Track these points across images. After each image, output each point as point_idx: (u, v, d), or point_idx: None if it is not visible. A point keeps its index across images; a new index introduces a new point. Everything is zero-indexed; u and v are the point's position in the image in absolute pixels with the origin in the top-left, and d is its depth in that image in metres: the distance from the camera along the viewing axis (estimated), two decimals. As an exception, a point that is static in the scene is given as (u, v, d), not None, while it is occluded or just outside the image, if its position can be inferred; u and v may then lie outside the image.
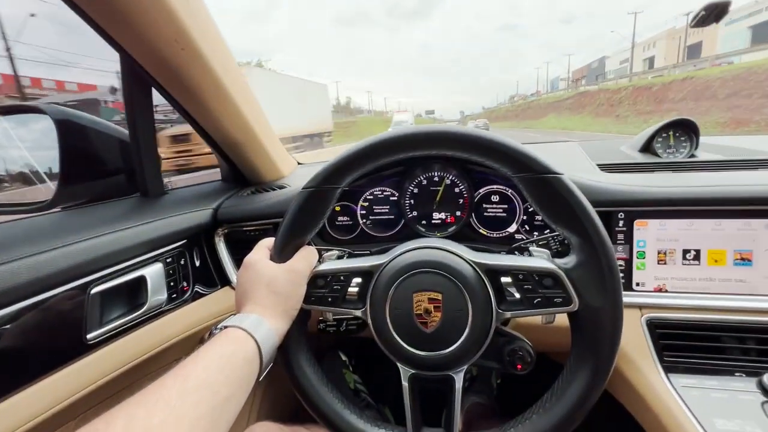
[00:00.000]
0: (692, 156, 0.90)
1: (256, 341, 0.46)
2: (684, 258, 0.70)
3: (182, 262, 0.77)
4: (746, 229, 0.68)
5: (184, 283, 0.77)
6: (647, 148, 0.93)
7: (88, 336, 0.58)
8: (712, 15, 0.75)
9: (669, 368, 0.65)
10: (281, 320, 0.51)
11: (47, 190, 0.73)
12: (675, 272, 0.71)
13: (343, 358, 1.28)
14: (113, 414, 0.33)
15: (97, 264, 0.60)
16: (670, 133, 0.91)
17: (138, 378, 0.66)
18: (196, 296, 0.80)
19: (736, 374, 0.63)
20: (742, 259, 0.68)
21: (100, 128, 0.78)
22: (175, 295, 0.74)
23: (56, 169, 0.72)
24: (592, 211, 0.47)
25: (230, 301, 0.84)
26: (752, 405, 0.59)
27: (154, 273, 0.69)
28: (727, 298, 0.68)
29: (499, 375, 1.21)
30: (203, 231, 0.84)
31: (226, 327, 0.47)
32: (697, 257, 0.70)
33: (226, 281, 0.87)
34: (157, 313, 0.70)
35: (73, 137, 0.73)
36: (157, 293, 0.69)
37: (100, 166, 0.77)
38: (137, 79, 0.69)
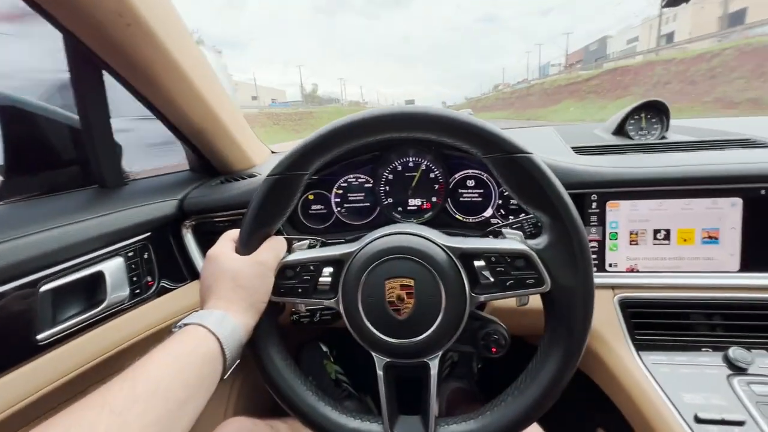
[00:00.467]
0: (663, 138, 0.91)
1: (217, 338, 0.43)
2: (655, 238, 0.71)
3: (146, 256, 0.73)
4: (714, 207, 0.69)
5: (149, 278, 0.73)
6: (620, 130, 0.94)
7: (39, 336, 0.54)
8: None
9: (640, 346, 0.66)
10: (248, 315, 0.49)
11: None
12: (646, 252, 0.72)
13: (324, 348, 1.26)
14: (53, 422, 0.31)
15: (47, 259, 0.56)
16: (642, 115, 0.92)
17: (96, 381, 0.62)
18: (163, 291, 0.76)
19: (704, 349, 0.65)
20: (710, 237, 0.69)
21: (50, 115, 0.73)
22: (138, 291, 0.70)
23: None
24: (563, 190, 0.46)
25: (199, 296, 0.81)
26: (718, 378, 0.60)
27: (113, 268, 0.65)
28: (696, 276, 0.70)
29: (479, 360, 1.23)
30: (169, 223, 0.80)
31: (186, 325, 0.44)
32: (667, 237, 0.71)
33: (195, 275, 0.83)
34: (117, 311, 0.66)
35: (20, 124, 0.68)
36: (117, 289, 0.65)
37: (50, 155, 0.72)
38: (84, 61, 0.64)
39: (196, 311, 0.47)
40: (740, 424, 0.54)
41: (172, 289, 0.78)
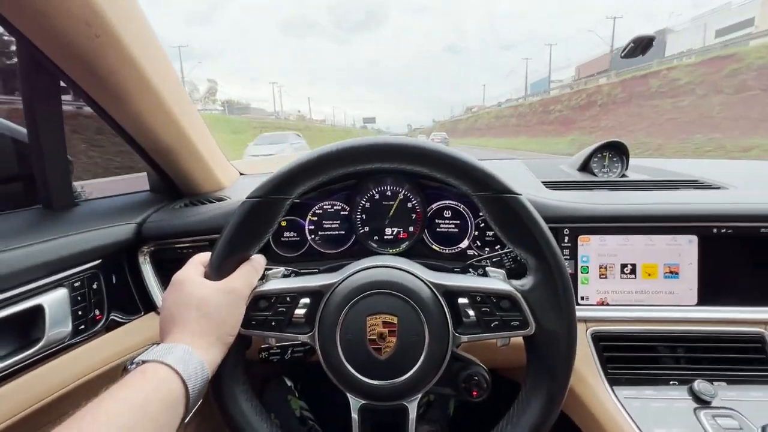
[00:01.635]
0: (623, 175, 0.97)
1: (182, 378, 0.38)
2: (622, 272, 0.74)
3: (95, 286, 0.65)
4: (673, 244, 0.73)
5: (96, 311, 0.65)
6: (585, 167, 0.99)
7: None
8: (639, 48, 0.83)
9: (612, 380, 0.68)
10: (214, 349, 0.44)
11: None
12: (614, 286, 0.74)
13: (288, 383, 1.19)
14: None
15: None
16: (605, 154, 0.98)
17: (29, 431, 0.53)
18: (113, 326, 0.68)
19: (671, 383, 0.67)
20: (671, 272, 0.73)
21: (-11, 125, 0.65)
22: (83, 327, 0.62)
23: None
24: (549, 233, 0.47)
25: (155, 330, 0.73)
26: (686, 412, 0.62)
27: (55, 301, 0.57)
28: (659, 309, 0.73)
29: (456, 402, 1.20)
30: (124, 249, 0.73)
31: (144, 362, 0.39)
32: (633, 271, 0.74)
33: (151, 306, 0.76)
34: (57, 350, 0.58)
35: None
36: (57, 325, 0.57)
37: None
38: (39, 69, 0.58)
39: (156, 344, 0.42)
40: None
41: (123, 323, 0.70)
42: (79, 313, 0.61)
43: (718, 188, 0.83)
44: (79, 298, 0.62)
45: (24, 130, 0.65)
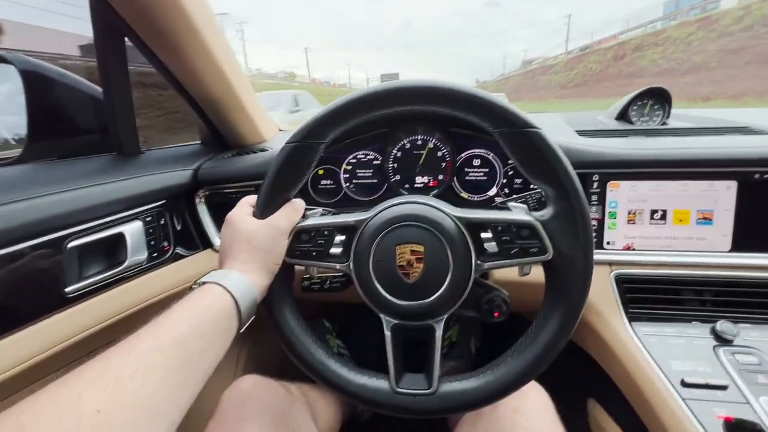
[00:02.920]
0: (664, 124, 0.93)
1: (233, 296, 0.46)
2: (652, 218, 0.74)
3: (162, 222, 0.75)
4: (709, 190, 0.72)
5: (165, 243, 0.76)
6: (623, 116, 0.96)
7: (67, 290, 0.57)
8: None
9: (633, 318, 0.70)
10: (262, 275, 0.52)
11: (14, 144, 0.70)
12: (643, 231, 0.75)
13: (327, 324, 1.30)
14: (90, 364, 0.34)
15: (73, 218, 0.59)
16: (645, 101, 0.94)
17: (117, 334, 0.65)
18: (177, 257, 0.79)
19: (693, 322, 0.69)
20: (704, 218, 0.73)
21: (70, 82, 0.74)
22: (155, 255, 0.73)
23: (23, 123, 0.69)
24: (568, 164, 0.49)
25: (212, 263, 0.84)
26: (705, 349, 0.64)
27: (133, 231, 0.68)
28: (689, 254, 0.73)
29: (478, 340, 1.27)
30: (183, 192, 0.82)
31: (204, 283, 0.47)
32: (663, 217, 0.74)
33: (207, 244, 0.86)
34: (137, 272, 0.69)
35: (42, 90, 0.69)
36: (136, 252, 0.68)
37: (70, 121, 0.74)
38: (108, 28, 0.65)
39: (215, 270, 0.50)
40: (723, 388, 0.58)
41: (185, 256, 0.81)
42: (152, 243, 0.72)
43: (767, 134, 0.78)
44: (150, 230, 0.72)
45: (99, 89, 0.75)
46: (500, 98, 0.51)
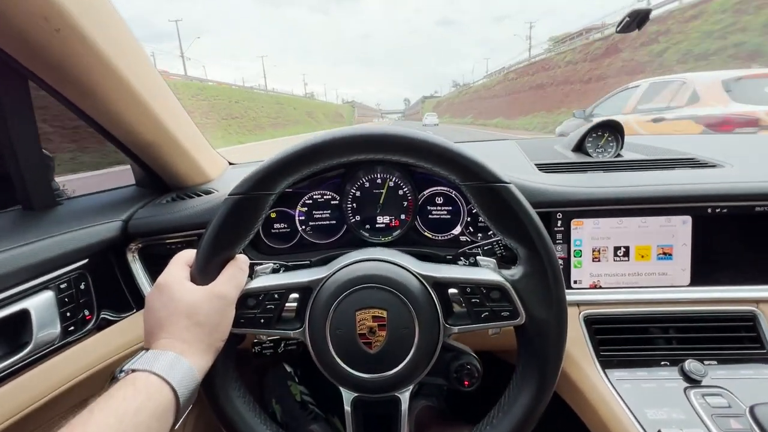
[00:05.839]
0: (619, 155, 0.95)
1: (172, 387, 0.38)
2: (615, 255, 0.74)
3: (82, 287, 0.64)
4: (667, 225, 0.72)
5: (86, 311, 0.64)
6: (579, 147, 0.97)
7: None
8: (635, 22, 0.80)
9: (605, 363, 0.68)
10: (204, 356, 0.44)
11: None
12: (608, 269, 0.74)
13: (288, 369, 1.21)
14: None
15: None
16: (600, 133, 0.96)
17: None
18: (104, 324, 0.68)
19: (662, 363, 0.68)
20: (664, 253, 0.73)
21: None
22: (72, 328, 0.61)
23: None
24: (539, 222, 0.46)
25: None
26: (676, 391, 0.63)
27: (40, 304, 0.57)
28: (652, 291, 0.73)
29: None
30: (111, 247, 0.72)
31: (133, 370, 0.38)
32: (626, 254, 0.73)
33: (142, 303, 0.75)
34: (48, 352, 0.58)
35: None
36: (45, 328, 0.57)
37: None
38: (5, 68, 0.55)
39: (144, 351, 0.42)
40: None
41: (115, 321, 0.70)
42: (68, 314, 0.61)
43: (714, 166, 0.81)
44: (66, 299, 0.61)
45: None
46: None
